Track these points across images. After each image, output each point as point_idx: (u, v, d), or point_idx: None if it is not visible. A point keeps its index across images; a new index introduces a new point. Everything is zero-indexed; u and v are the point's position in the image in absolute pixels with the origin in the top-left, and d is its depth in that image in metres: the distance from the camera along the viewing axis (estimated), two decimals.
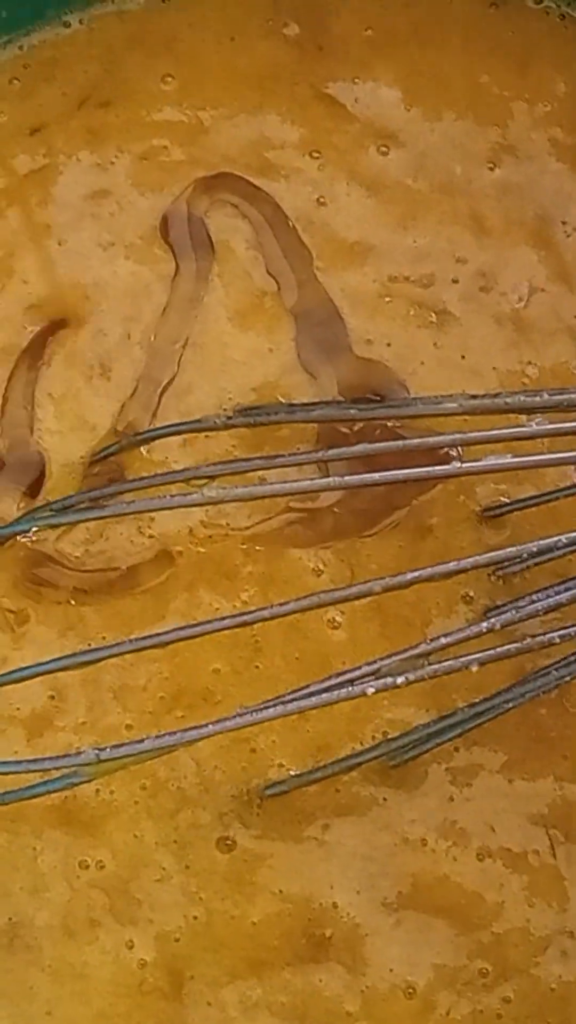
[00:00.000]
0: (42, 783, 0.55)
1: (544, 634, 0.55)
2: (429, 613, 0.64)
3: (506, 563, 0.61)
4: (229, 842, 0.61)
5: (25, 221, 0.68)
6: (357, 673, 0.54)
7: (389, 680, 0.54)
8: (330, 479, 0.56)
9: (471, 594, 0.64)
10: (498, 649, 0.55)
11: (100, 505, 0.58)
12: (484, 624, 0.54)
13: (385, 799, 0.62)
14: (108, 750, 0.53)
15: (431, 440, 0.53)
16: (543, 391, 0.55)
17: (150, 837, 0.61)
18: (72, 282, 0.67)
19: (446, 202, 0.69)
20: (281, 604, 0.55)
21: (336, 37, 0.69)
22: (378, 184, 0.68)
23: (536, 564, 0.60)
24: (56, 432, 0.66)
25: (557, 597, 0.55)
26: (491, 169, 0.69)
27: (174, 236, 0.68)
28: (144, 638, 0.56)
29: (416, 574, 0.54)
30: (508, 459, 0.54)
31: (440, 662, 0.54)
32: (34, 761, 0.55)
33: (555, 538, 0.55)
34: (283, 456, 0.56)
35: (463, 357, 0.67)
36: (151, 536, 0.64)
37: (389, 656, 0.54)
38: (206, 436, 0.64)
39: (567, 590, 0.56)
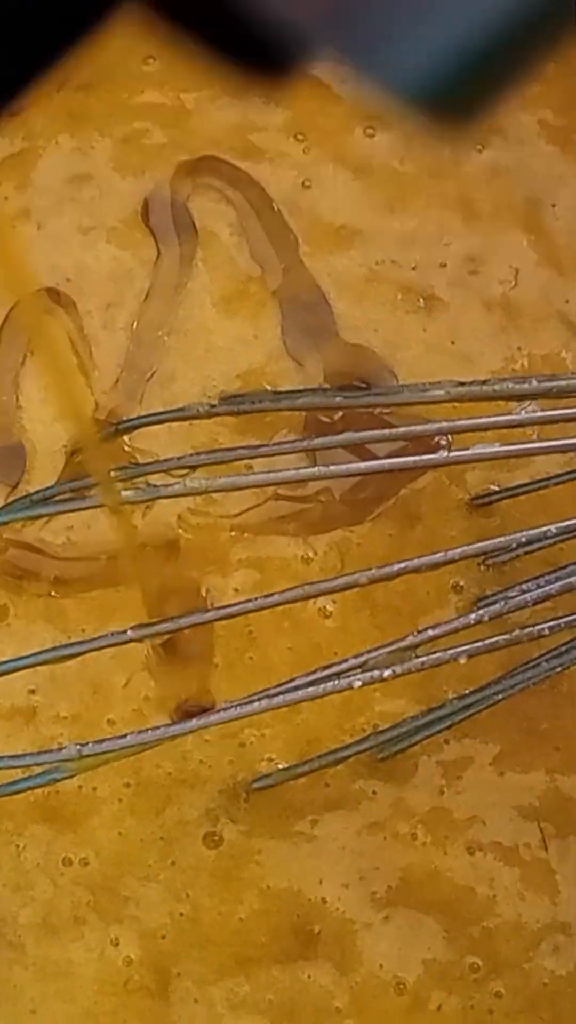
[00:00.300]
0: (23, 779, 0.54)
1: (533, 625, 0.55)
2: (420, 603, 0.63)
3: (495, 552, 0.60)
4: (216, 838, 0.61)
5: (3, 206, 0.67)
6: (344, 666, 0.54)
7: (376, 673, 0.53)
8: (316, 468, 0.55)
9: (461, 583, 0.64)
10: (487, 641, 0.54)
11: (81, 496, 0.58)
12: (472, 615, 0.54)
13: (375, 792, 0.62)
14: (90, 745, 0.52)
15: (418, 428, 0.53)
16: (532, 378, 0.54)
17: (135, 834, 0.61)
18: (51, 267, 0.67)
19: (434, 185, 0.68)
20: (266, 596, 0.54)
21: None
22: (365, 167, 0.68)
23: (526, 553, 0.60)
24: (37, 421, 0.65)
25: (547, 588, 0.55)
26: (480, 151, 0.68)
27: (156, 221, 0.67)
28: (128, 631, 0.56)
29: (403, 565, 0.53)
30: (496, 447, 0.53)
31: (428, 654, 0.54)
32: (15, 757, 0.54)
33: (545, 528, 0.54)
34: (268, 445, 0.55)
35: (452, 343, 0.67)
36: (136, 525, 0.64)
37: (376, 648, 0.53)
38: (190, 424, 0.64)
39: (557, 580, 0.55)
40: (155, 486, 0.57)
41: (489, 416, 0.55)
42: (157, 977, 0.60)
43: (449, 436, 0.62)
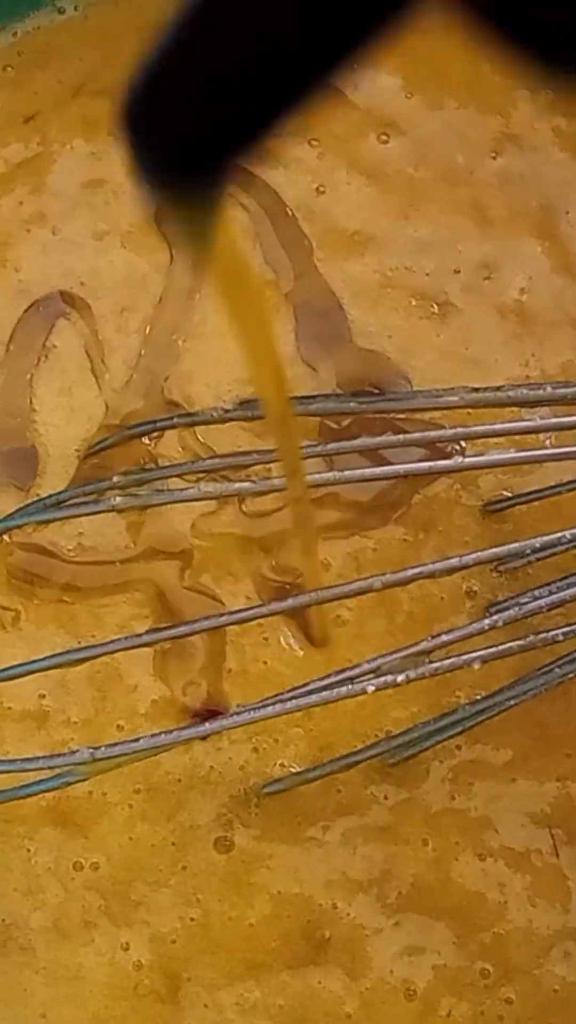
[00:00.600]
0: (36, 782, 0.55)
1: (547, 631, 0.55)
2: (434, 608, 0.64)
3: (509, 558, 0.61)
4: (227, 843, 0.61)
5: (18, 210, 0.68)
6: (357, 671, 0.54)
7: (389, 678, 0.54)
8: (331, 473, 0.56)
9: (475, 589, 0.64)
10: (500, 646, 0.55)
11: (94, 500, 0.58)
12: (486, 621, 0.55)
13: (386, 798, 0.62)
14: (103, 749, 0.53)
15: (432, 434, 0.53)
16: (546, 384, 0.55)
17: (146, 839, 0.61)
18: (66, 272, 0.67)
19: (448, 191, 0.69)
20: (279, 601, 0.55)
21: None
22: (378, 173, 0.69)
23: (539, 559, 0.60)
24: (51, 424, 0.66)
25: (560, 594, 0.55)
26: (493, 158, 0.69)
27: (169, 227, 0.68)
28: (140, 635, 0.56)
29: (417, 571, 0.54)
30: (510, 454, 0.54)
31: (442, 659, 0.54)
32: (28, 760, 0.55)
33: (559, 534, 0.55)
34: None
35: (466, 349, 0.67)
36: (147, 532, 0.65)
37: (390, 653, 0.54)
38: (206, 428, 0.65)
39: (570, 586, 0.56)
40: (170, 490, 0.58)
41: (503, 422, 0.56)
42: (167, 982, 0.60)
43: (463, 442, 0.62)
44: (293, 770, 0.62)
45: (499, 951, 0.61)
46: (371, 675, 0.54)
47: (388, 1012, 0.60)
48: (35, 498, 0.64)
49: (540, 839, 0.62)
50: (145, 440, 0.65)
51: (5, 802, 0.57)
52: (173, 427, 0.62)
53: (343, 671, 0.54)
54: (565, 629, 0.55)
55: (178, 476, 0.60)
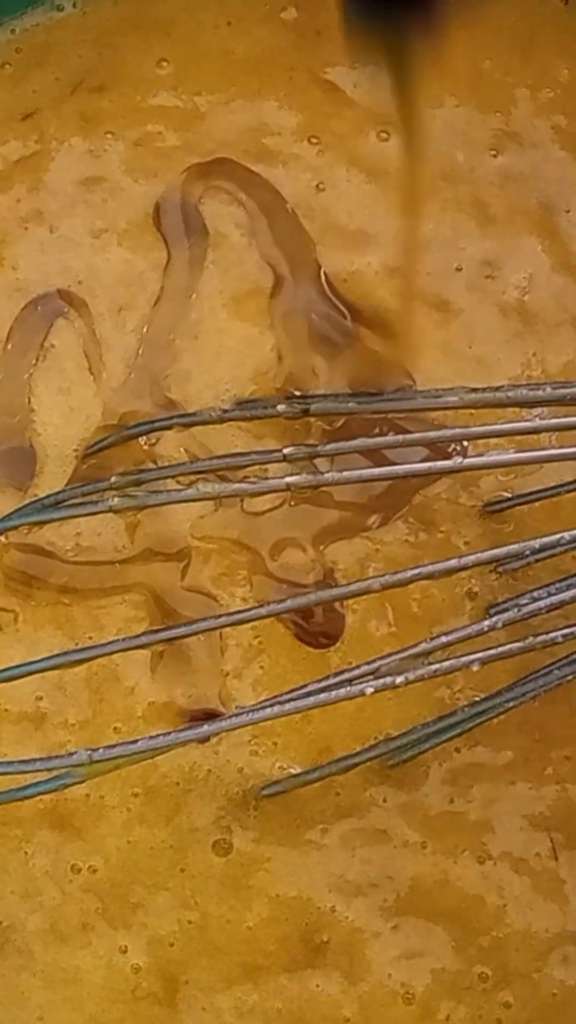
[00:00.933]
0: (33, 784, 0.56)
1: (546, 633, 0.56)
2: (435, 609, 0.65)
3: (508, 560, 0.62)
4: (225, 845, 0.62)
5: (15, 208, 0.69)
6: (356, 672, 0.55)
7: (388, 679, 0.55)
8: (329, 474, 0.57)
9: (476, 590, 0.65)
10: (499, 648, 0.56)
11: (91, 501, 0.59)
12: (486, 623, 0.55)
13: (385, 800, 0.63)
14: (101, 750, 0.54)
15: (432, 435, 0.54)
16: (546, 384, 0.56)
17: (144, 842, 0.62)
18: (63, 270, 0.68)
19: (448, 189, 0.70)
20: (278, 602, 0.56)
21: (335, 22, 0.70)
22: (379, 170, 0.69)
23: (538, 560, 0.61)
24: (49, 424, 0.67)
25: (560, 595, 0.56)
26: (494, 156, 0.70)
27: (167, 224, 0.69)
28: (137, 636, 0.57)
29: (416, 571, 0.55)
30: (510, 454, 0.55)
31: (441, 661, 0.55)
32: (25, 762, 0.56)
33: (558, 535, 0.56)
34: (280, 451, 0.56)
35: (469, 347, 0.68)
36: (145, 533, 0.65)
37: (389, 655, 0.55)
38: (206, 428, 0.65)
39: (569, 588, 0.57)
40: (167, 491, 0.59)
41: (503, 423, 0.57)
42: (165, 985, 0.61)
43: (465, 442, 0.63)
44: (292, 772, 0.63)
45: (498, 955, 0.62)
46: (370, 677, 0.55)
47: (386, 1016, 0.61)
48: (33, 498, 0.65)
49: (539, 842, 0.63)
50: (143, 440, 0.66)
51: (2, 804, 0.58)
52: (171, 428, 0.63)
53: (341, 673, 0.55)
54: (565, 631, 0.56)
55: (176, 477, 0.61)
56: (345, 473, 0.56)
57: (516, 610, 0.56)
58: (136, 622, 0.64)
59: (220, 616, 0.57)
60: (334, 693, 0.55)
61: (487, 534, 0.66)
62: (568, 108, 0.70)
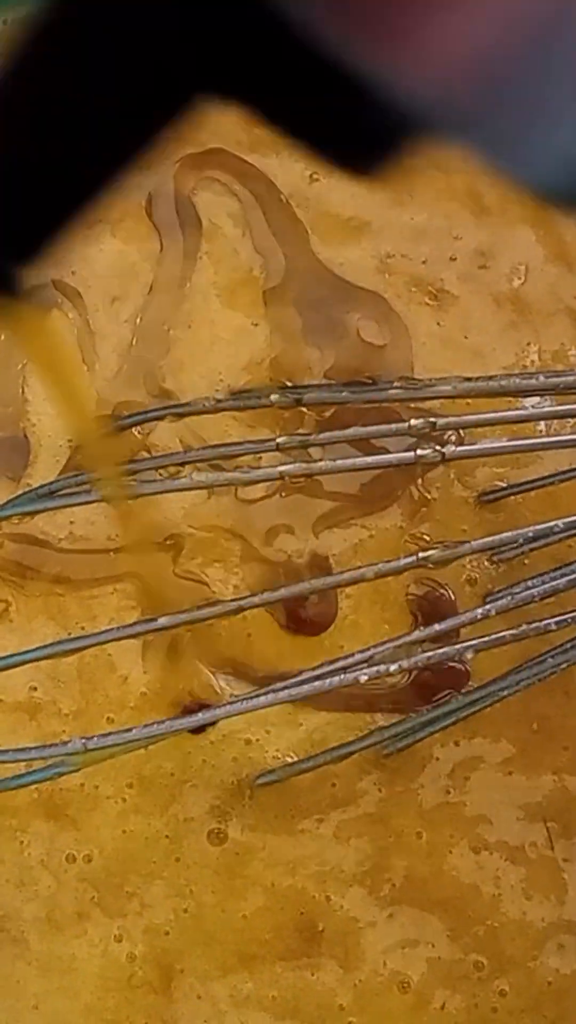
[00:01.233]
0: (28, 773, 0.57)
1: (540, 620, 0.57)
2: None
3: (503, 548, 0.63)
4: (221, 835, 0.64)
5: None
6: (350, 660, 0.56)
7: (382, 667, 0.56)
8: (322, 463, 0.58)
9: (475, 577, 0.66)
10: (493, 636, 0.57)
11: (84, 491, 0.60)
12: (479, 610, 0.57)
13: (380, 790, 0.64)
14: (95, 739, 0.55)
15: (421, 423, 0.55)
16: (539, 373, 0.57)
17: (139, 832, 0.63)
18: (56, 263, 0.69)
19: (442, 179, 0.71)
20: (272, 591, 0.57)
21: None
22: None
23: (533, 549, 0.63)
24: (43, 414, 0.68)
25: (553, 583, 0.57)
26: None
27: (159, 215, 0.70)
28: (131, 625, 0.58)
29: (409, 560, 0.56)
30: (502, 442, 0.56)
31: (435, 649, 0.56)
32: (20, 750, 0.57)
33: (552, 523, 0.57)
34: (273, 440, 0.58)
35: (466, 337, 0.69)
36: (139, 521, 0.67)
37: (382, 643, 0.56)
38: (200, 417, 0.66)
39: (563, 576, 0.58)
40: (160, 480, 0.60)
41: (496, 411, 0.58)
42: (160, 973, 0.62)
43: (461, 431, 0.64)
44: (287, 762, 0.64)
45: (493, 943, 0.63)
46: (363, 665, 0.56)
47: (381, 1004, 0.62)
48: (26, 488, 0.66)
49: (535, 832, 0.64)
50: (137, 430, 0.67)
51: None
52: (163, 418, 0.64)
53: (335, 661, 0.56)
54: (559, 618, 0.57)
55: (170, 466, 0.62)
56: (338, 462, 0.57)
57: (510, 598, 0.57)
58: (129, 611, 0.66)
59: (213, 604, 0.58)
60: (328, 681, 0.56)
61: (483, 523, 0.67)
62: None
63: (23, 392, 0.68)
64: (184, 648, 0.65)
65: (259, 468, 0.59)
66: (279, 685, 0.56)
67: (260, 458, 0.63)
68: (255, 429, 0.67)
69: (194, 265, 0.70)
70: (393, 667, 0.56)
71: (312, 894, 0.63)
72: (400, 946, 0.63)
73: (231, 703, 0.56)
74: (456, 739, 0.65)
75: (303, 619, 0.66)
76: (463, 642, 0.57)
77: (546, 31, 0.21)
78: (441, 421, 0.57)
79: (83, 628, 0.65)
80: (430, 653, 0.56)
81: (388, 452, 0.62)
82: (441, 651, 0.56)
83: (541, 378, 0.58)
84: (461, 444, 0.58)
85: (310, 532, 0.67)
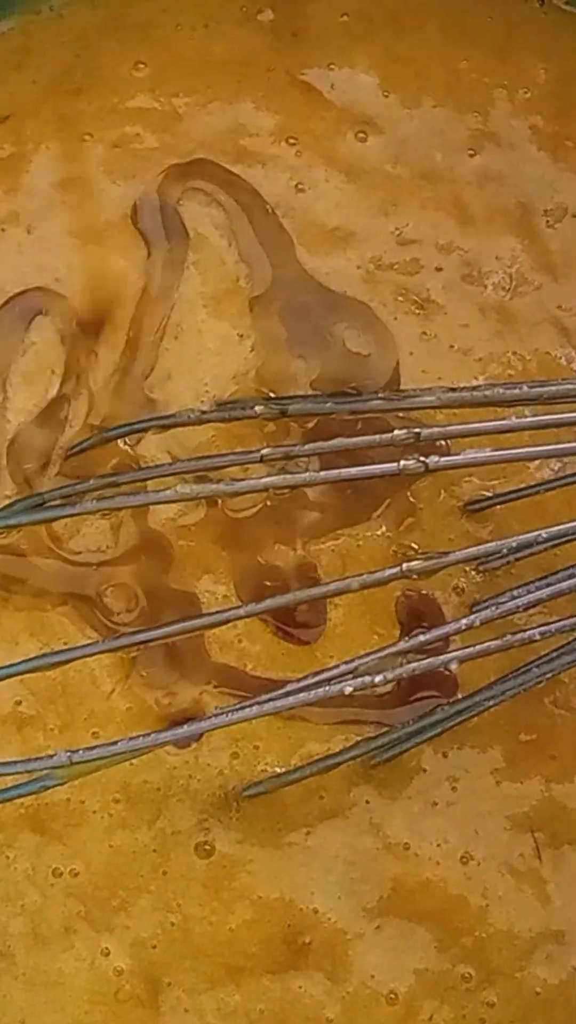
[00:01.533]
0: (14, 787, 0.58)
1: (524, 630, 0.58)
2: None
3: (488, 558, 0.64)
4: (208, 847, 0.65)
5: None
6: (335, 672, 0.57)
7: (367, 678, 0.57)
8: (306, 474, 0.59)
9: (462, 586, 0.67)
10: (477, 646, 0.58)
11: (71, 503, 0.61)
12: (463, 621, 0.58)
13: (368, 802, 0.65)
14: (81, 752, 0.56)
15: (402, 433, 0.57)
16: (523, 383, 0.58)
17: (126, 847, 0.64)
18: (40, 269, 0.70)
19: (427, 189, 0.72)
20: (256, 602, 0.58)
21: (312, 23, 0.73)
22: (357, 170, 0.72)
23: (517, 559, 0.64)
24: (23, 411, 0.69)
25: (537, 593, 0.59)
26: (472, 156, 0.72)
27: (145, 224, 0.71)
28: (117, 638, 0.59)
29: (394, 571, 0.57)
30: (485, 453, 0.57)
31: (419, 660, 0.58)
32: (5, 764, 0.58)
33: (535, 533, 0.58)
34: (257, 451, 0.59)
35: (451, 346, 0.71)
36: (129, 532, 0.68)
37: (368, 654, 0.57)
38: (183, 429, 0.67)
39: (548, 585, 0.59)
40: (146, 492, 0.61)
41: (480, 422, 0.59)
42: (148, 987, 0.63)
43: (448, 441, 0.65)
44: (274, 773, 0.65)
45: (481, 954, 0.64)
46: (349, 676, 0.57)
47: (370, 1017, 0.63)
48: (11, 500, 0.67)
49: (522, 843, 0.65)
50: (123, 441, 0.68)
51: None
52: (148, 430, 0.65)
53: (320, 672, 0.57)
54: (543, 628, 0.58)
55: (156, 478, 0.63)
56: (322, 473, 0.58)
57: (494, 608, 0.58)
58: (117, 624, 0.66)
59: (200, 617, 0.60)
60: (313, 693, 0.57)
61: (469, 533, 0.69)
62: (545, 108, 0.73)
63: (7, 402, 0.69)
64: (172, 659, 0.66)
65: (244, 479, 0.60)
66: (264, 697, 0.58)
67: (247, 468, 0.64)
68: (242, 440, 0.68)
69: (181, 274, 0.71)
70: (378, 678, 0.57)
71: (299, 906, 0.64)
72: (388, 958, 0.64)
73: (216, 715, 0.57)
74: (444, 750, 0.66)
75: (292, 628, 0.67)
76: (448, 652, 0.58)
77: None
78: (425, 432, 0.58)
79: (65, 643, 0.66)
80: (414, 664, 0.57)
81: (374, 462, 0.63)
82: (426, 662, 0.58)
83: (525, 388, 0.59)
84: (447, 455, 0.59)
85: (298, 542, 0.68)
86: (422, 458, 0.56)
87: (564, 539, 0.59)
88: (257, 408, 0.61)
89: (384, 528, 0.68)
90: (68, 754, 0.56)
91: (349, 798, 0.65)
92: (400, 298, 0.71)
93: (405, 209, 0.72)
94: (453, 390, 0.60)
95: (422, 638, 0.57)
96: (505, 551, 0.58)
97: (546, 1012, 0.64)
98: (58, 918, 0.64)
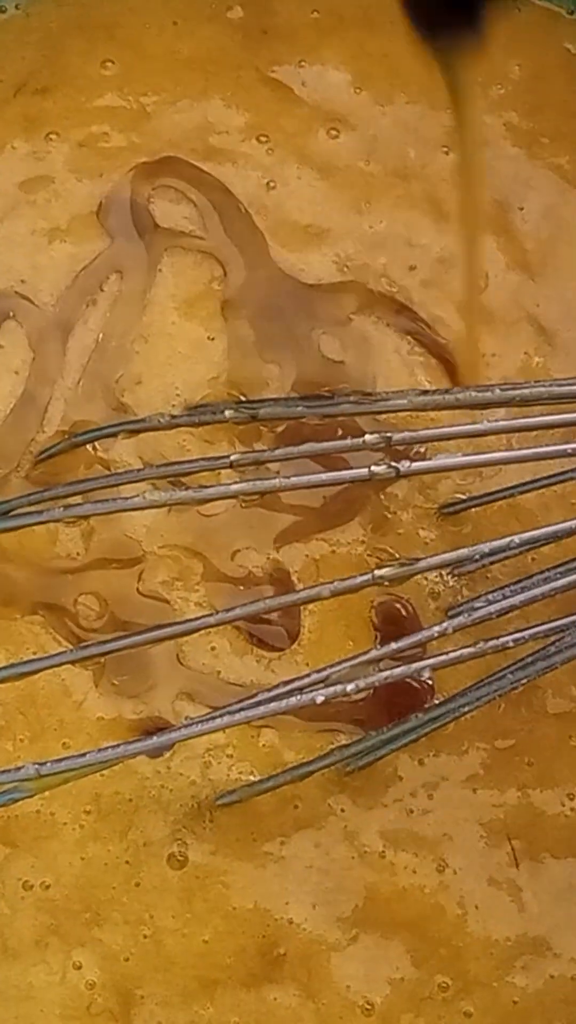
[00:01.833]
0: None
1: (498, 637, 0.59)
2: (395, 611, 0.68)
3: (462, 563, 0.64)
4: (180, 859, 0.65)
5: None
6: (306, 681, 0.58)
7: (339, 687, 0.57)
8: (276, 480, 0.59)
9: (438, 591, 0.68)
10: (451, 653, 0.59)
11: (37, 511, 0.61)
12: (436, 628, 0.58)
13: (343, 811, 0.66)
14: (49, 764, 0.56)
15: (373, 438, 0.57)
16: (494, 386, 0.59)
17: (98, 859, 0.65)
18: (6, 269, 0.70)
19: (401, 186, 0.72)
20: (227, 610, 0.58)
21: (281, 20, 0.73)
22: (329, 167, 0.72)
23: (491, 563, 0.64)
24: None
25: (511, 599, 0.59)
26: (446, 153, 0.73)
27: (114, 223, 0.71)
28: (86, 646, 0.60)
29: (365, 577, 0.57)
30: (457, 458, 0.57)
31: (392, 668, 0.58)
32: None
33: (508, 538, 0.58)
34: (227, 457, 0.59)
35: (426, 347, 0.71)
36: (100, 539, 0.68)
37: (339, 662, 0.58)
38: (154, 433, 0.68)
39: (523, 591, 0.59)
40: (114, 499, 0.62)
41: (451, 425, 0.59)
42: (120, 1000, 0.64)
43: (425, 445, 0.66)
44: (247, 782, 0.65)
45: (458, 964, 0.65)
46: (320, 684, 0.57)
47: None
48: None
49: (499, 850, 0.66)
50: (93, 446, 0.68)
51: None
52: (118, 435, 0.65)
53: (291, 681, 0.58)
54: (515, 635, 0.59)
55: (126, 483, 0.63)
56: (292, 479, 0.58)
57: (467, 615, 0.58)
58: (86, 632, 0.67)
59: (172, 625, 0.60)
60: (284, 702, 0.57)
61: (445, 536, 0.69)
62: (519, 105, 0.73)
63: None
64: (142, 668, 0.66)
65: (215, 486, 0.60)
66: (236, 706, 0.58)
67: (219, 473, 0.65)
68: (213, 444, 0.68)
69: (153, 275, 0.71)
70: (350, 687, 0.57)
71: (274, 917, 0.65)
72: (363, 968, 0.64)
73: (188, 725, 0.58)
74: (420, 757, 0.66)
75: (265, 634, 0.67)
76: (421, 660, 0.58)
77: None
78: (396, 436, 0.59)
79: (34, 654, 0.66)
80: (387, 673, 0.58)
81: (347, 466, 0.64)
82: (398, 670, 0.58)
83: (497, 391, 0.59)
84: (420, 459, 0.59)
85: (271, 547, 0.68)
86: (393, 463, 0.57)
87: (538, 543, 0.60)
88: (227, 412, 0.62)
89: (359, 533, 0.69)
90: (36, 766, 0.56)
91: (324, 807, 0.66)
92: (375, 297, 0.71)
93: (378, 207, 0.72)
94: (425, 393, 0.60)
95: (394, 646, 0.58)
96: (478, 556, 0.59)
97: (524, 1021, 0.64)
98: (28, 931, 0.64)
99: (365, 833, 0.66)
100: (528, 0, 0.74)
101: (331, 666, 0.57)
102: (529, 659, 0.61)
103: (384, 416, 0.67)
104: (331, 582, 0.58)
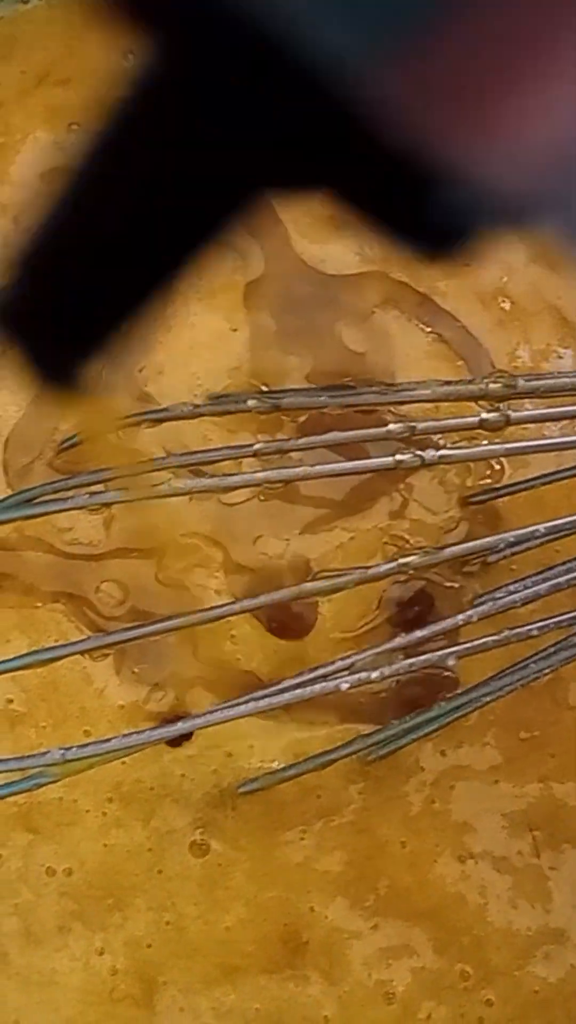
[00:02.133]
0: (7, 784, 0.59)
1: (524, 625, 0.60)
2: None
3: (486, 552, 0.65)
4: (203, 846, 0.66)
5: None
6: (331, 668, 0.59)
7: (364, 675, 0.58)
8: (301, 469, 0.60)
9: (459, 580, 0.69)
10: (476, 642, 0.60)
11: (62, 498, 0.63)
12: (460, 617, 0.59)
13: (365, 800, 0.67)
14: (74, 749, 0.57)
15: (397, 427, 0.58)
16: (519, 377, 0.60)
17: (121, 846, 0.66)
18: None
19: None
20: (252, 598, 0.59)
21: None
22: None
23: (514, 553, 0.65)
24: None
25: (535, 588, 0.60)
26: None
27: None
28: (108, 634, 0.61)
29: (390, 566, 0.59)
30: (484, 447, 0.59)
31: (416, 656, 0.59)
32: None
33: (532, 528, 0.60)
34: (251, 446, 0.60)
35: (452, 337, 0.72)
36: (120, 527, 0.69)
37: (364, 650, 0.59)
38: (176, 423, 0.69)
39: (545, 580, 0.60)
40: (138, 487, 0.63)
41: (475, 416, 0.60)
42: (143, 986, 0.65)
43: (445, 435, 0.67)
44: (269, 770, 0.66)
45: (479, 953, 0.66)
46: (345, 672, 0.59)
47: (367, 1016, 0.65)
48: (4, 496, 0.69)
49: (521, 840, 0.67)
50: (117, 435, 0.70)
51: None
52: (141, 424, 0.66)
53: (316, 668, 0.59)
54: (541, 623, 0.60)
55: (149, 472, 0.64)
56: (317, 467, 0.59)
57: (491, 604, 0.60)
58: (108, 620, 0.68)
59: (193, 613, 0.61)
60: (308, 689, 0.58)
61: (467, 526, 0.70)
62: None
63: None
64: (164, 656, 0.68)
65: (238, 474, 0.61)
66: (259, 693, 0.59)
67: (241, 462, 0.66)
68: (235, 434, 0.69)
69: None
70: (375, 674, 0.58)
71: (296, 905, 0.66)
72: (385, 957, 0.66)
73: (210, 712, 0.59)
74: (442, 748, 0.67)
75: (284, 622, 0.69)
76: (445, 648, 0.59)
77: None
78: (420, 425, 0.60)
79: (56, 640, 0.68)
80: (412, 660, 0.59)
81: (370, 456, 0.65)
82: (423, 658, 0.59)
83: (521, 382, 0.60)
84: (443, 448, 0.60)
85: (292, 535, 0.70)
86: (418, 452, 0.58)
87: (563, 533, 0.61)
88: (250, 402, 0.63)
89: (379, 520, 0.70)
90: (61, 752, 0.58)
91: (346, 796, 0.67)
92: (397, 287, 0.72)
93: None
94: (448, 383, 0.61)
95: (419, 634, 0.59)
96: (503, 545, 0.60)
97: (545, 1011, 0.65)
98: (52, 917, 0.66)
99: (386, 822, 0.67)
100: None
101: (356, 653, 0.59)
102: (552, 649, 0.62)
103: (405, 409, 0.68)
104: (355, 570, 0.59)
